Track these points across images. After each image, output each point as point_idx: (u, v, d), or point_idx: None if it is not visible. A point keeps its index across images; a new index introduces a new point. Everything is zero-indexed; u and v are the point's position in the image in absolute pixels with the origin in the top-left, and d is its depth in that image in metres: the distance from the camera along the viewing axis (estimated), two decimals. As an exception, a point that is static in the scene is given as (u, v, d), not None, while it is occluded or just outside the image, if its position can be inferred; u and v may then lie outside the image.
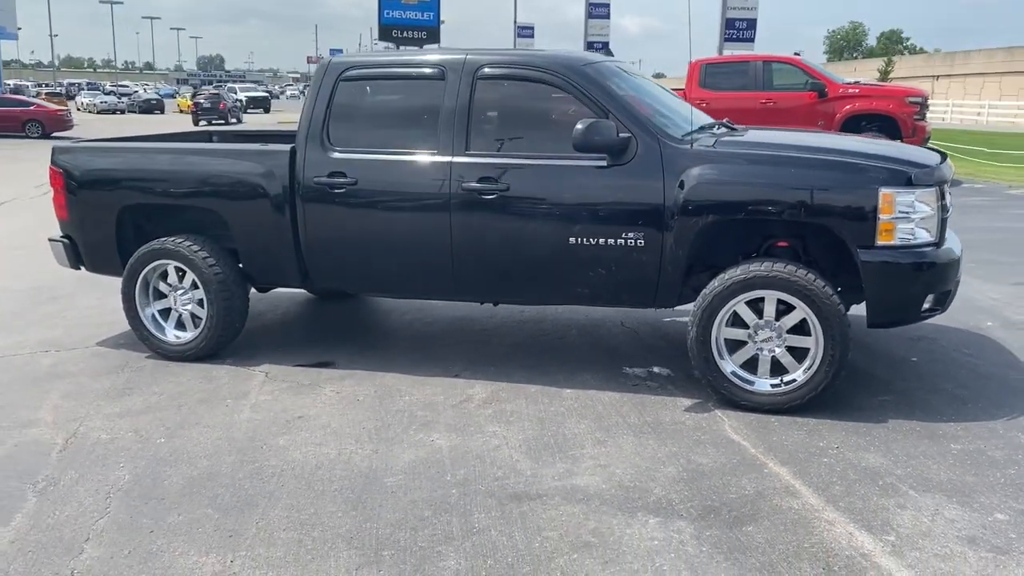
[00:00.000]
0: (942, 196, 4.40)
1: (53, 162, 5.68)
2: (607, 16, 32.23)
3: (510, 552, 3.19)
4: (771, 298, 4.41)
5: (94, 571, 3.11)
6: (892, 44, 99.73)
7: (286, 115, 41.89)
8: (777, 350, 4.47)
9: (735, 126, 5.43)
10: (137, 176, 5.50)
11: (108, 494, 3.68)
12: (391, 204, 5.04)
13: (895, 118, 13.17)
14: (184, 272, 5.43)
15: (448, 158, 4.84)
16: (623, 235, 4.60)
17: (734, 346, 4.56)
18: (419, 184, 4.93)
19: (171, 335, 5.53)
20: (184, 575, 3.08)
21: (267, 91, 63.25)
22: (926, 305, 4.40)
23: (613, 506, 3.52)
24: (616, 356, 5.46)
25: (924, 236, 4.33)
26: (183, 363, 5.41)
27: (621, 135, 4.52)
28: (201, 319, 5.45)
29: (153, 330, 5.53)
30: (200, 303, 5.45)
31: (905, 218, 4.26)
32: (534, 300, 5.34)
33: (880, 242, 4.27)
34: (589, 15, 32.03)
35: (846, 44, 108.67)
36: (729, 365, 4.53)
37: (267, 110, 50.75)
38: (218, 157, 5.43)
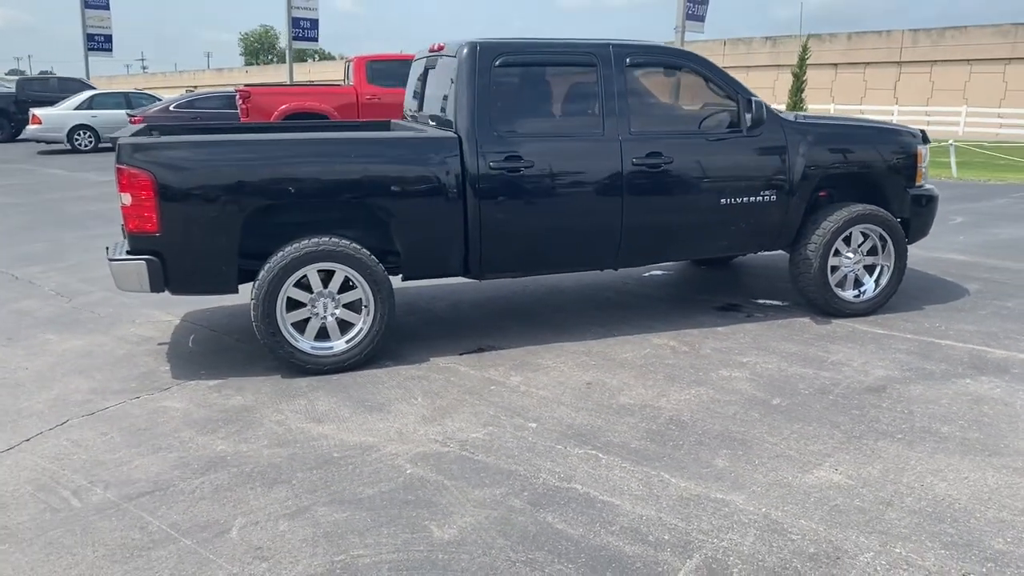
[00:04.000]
0: (923, 152, 6.43)
1: (128, 163, 4.62)
2: (107, 7, 29.66)
3: (944, 413, 4.28)
4: (857, 231, 5.95)
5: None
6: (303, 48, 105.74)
7: None
8: (858, 269, 6.05)
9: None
10: (278, 174, 4.82)
11: (639, 465, 3.76)
12: (568, 183, 5.36)
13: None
14: (330, 275, 4.97)
15: (617, 137, 5.39)
16: (761, 193, 5.71)
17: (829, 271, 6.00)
18: (593, 162, 5.37)
19: (311, 346, 5.00)
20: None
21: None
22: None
23: (928, 380, 4.77)
24: (679, 300, 6.48)
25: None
26: (342, 373, 4.98)
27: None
28: (353, 324, 5.06)
29: (296, 344, 4.94)
30: (351, 306, 5.05)
31: (923, 166, 6.18)
32: (680, 258, 6.09)
33: (918, 183, 6.12)
34: (86, 5, 29.13)
35: (260, 47, 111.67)
36: (832, 286, 5.98)
37: None
38: (383, 147, 5.07)
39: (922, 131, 6.30)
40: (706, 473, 3.68)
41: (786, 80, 26.76)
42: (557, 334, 5.67)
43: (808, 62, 23.90)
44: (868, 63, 36.18)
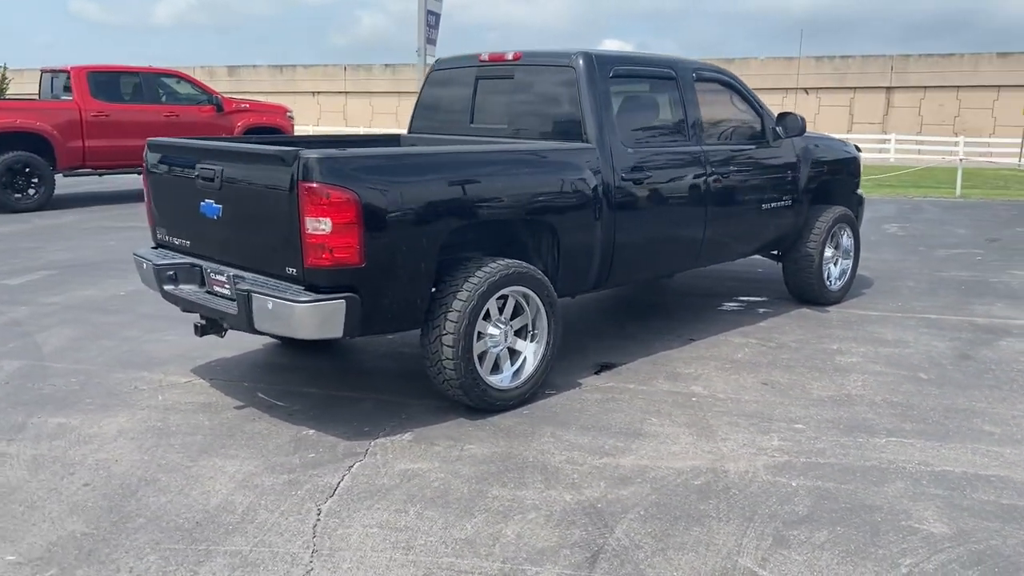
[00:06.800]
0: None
1: (326, 181, 3.82)
2: None
3: (1050, 368, 5.29)
4: (835, 229, 6.85)
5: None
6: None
7: None
8: (832, 262, 6.97)
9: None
10: (479, 191, 4.33)
11: (947, 443, 4.11)
12: (675, 193, 5.46)
13: (281, 128, 14.63)
14: (504, 301, 4.58)
15: (700, 147, 5.65)
16: (784, 198, 6.34)
17: (816, 266, 6.83)
18: (689, 171, 5.55)
19: (494, 379, 4.54)
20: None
21: None
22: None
23: (982, 346, 5.74)
24: (676, 305, 6.87)
25: (848, 184, 7.45)
26: (518, 407, 4.62)
27: (784, 125, 6.27)
28: (519, 352, 4.69)
29: (487, 380, 4.46)
30: (520, 333, 4.69)
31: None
32: (732, 258, 6.41)
33: (859, 187, 7.25)
34: None
35: None
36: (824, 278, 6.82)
37: None
38: (553, 157, 4.74)
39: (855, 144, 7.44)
40: (999, 438, 4.15)
41: (407, 105, 28.12)
42: (643, 346, 5.70)
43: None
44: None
